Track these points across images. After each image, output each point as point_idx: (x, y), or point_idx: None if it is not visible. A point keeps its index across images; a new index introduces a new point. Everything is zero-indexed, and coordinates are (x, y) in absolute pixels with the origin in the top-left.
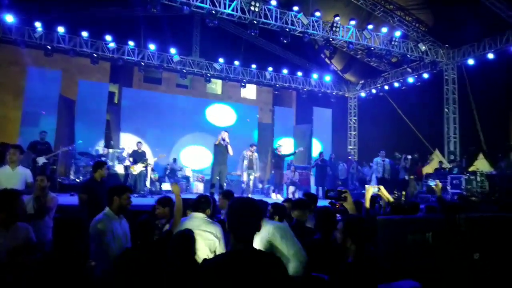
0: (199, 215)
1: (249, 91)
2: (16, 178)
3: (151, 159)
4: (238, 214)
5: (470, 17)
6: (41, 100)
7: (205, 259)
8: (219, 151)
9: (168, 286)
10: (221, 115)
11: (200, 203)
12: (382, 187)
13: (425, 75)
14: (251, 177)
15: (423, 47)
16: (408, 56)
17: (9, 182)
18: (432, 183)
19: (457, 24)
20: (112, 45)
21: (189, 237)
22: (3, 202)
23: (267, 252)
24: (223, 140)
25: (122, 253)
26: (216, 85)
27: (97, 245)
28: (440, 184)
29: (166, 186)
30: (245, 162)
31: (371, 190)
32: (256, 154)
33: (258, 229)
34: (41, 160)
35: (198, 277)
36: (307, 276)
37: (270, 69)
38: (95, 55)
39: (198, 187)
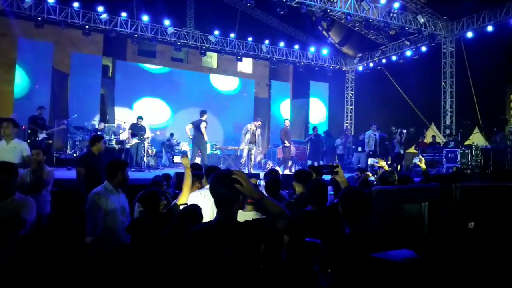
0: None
1: (245, 65)
2: (12, 152)
3: (147, 133)
4: (213, 185)
5: None
6: (33, 73)
7: (188, 229)
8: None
9: (169, 260)
10: (219, 86)
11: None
12: (380, 159)
13: (423, 48)
14: (252, 151)
15: (422, 19)
16: (407, 28)
17: (4, 156)
18: (415, 159)
19: None
20: (104, 16)
21: (196, 214)
22: None
23: (251, 222)
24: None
25: (131, 224)
26: (212, 59)
27: (91, 217)
28: (423, 159)
29: (176, 158)
30: (248, 136)
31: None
32: (259, 130)
33: (233, 198)
34: (42, 135)
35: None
36: (302, 241)
37: (267, 42)
38: (87, 26)
39: (196, 162)
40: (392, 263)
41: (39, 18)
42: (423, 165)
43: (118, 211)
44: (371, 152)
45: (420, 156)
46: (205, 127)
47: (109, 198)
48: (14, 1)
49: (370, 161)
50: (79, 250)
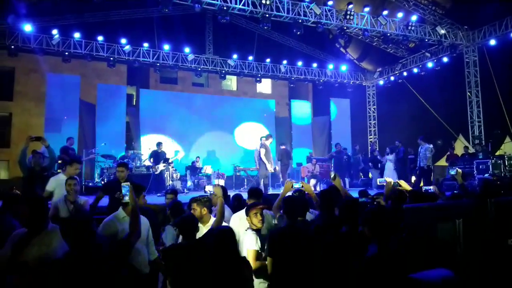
0: None
1: (265, 86)
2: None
3: (171, 159)
4: (291, 205)
5: None
6: (62, 106)
7: (270, 230)
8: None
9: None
10: (237, 110)
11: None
12: (402, 181)
13: (445, 59)
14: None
15: (441, 30)
16: (426, 40)
17: (62, 190)
18: (452, 171)
19: (476, 3)
20: (127, 47)
21: (230, 232)
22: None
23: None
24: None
25: (169, 250)
26: (231, 82)
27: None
28: (460, 171)
29: (208, 187)
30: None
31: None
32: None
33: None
34: None
35: (270, 240)
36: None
37: (285, 62)
38: (111, 58)
39: (220, 184)
40: (431, 284)
41: (66, 53)
42: (460, 179)
43: None
44: (426, 167)
45: (457, 168)
46: (264, 153)
47: (120, 226)
48: (43, 39)
49: (379, 181)
50: (100, 274)
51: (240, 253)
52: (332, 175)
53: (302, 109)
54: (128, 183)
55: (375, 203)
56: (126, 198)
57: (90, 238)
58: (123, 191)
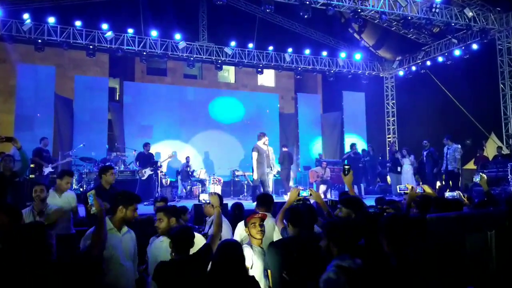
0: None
1: (267, 78)
2: (63, 204)
3: (159, 161)
4: (299, 215)
5: None
6: (34, 101)
7: (272, 242)
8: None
9: None
10: (235, 105)
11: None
12: (426, 186)
13: (474, 46)
14: (270, 176)
15: (470, 13)
16: (453, 24)
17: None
18: (476, 178)
19: None
20: (109, 34)
21: (235, 246)
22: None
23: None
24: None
25: (160, 268)
26: (229, 73)
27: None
28: (485, 177)
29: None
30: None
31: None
32: (271, 148)
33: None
34: (47, 169)
35: (271, 252)
36: None
37: (290, 50)
38: (91, 46)
39: (216, 191)
40: None
41: (39, 41)
42: (485, 185)
43: (119, 254)
44: (455, 170)
45: (480, 174)
46: (256, 157)
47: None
48: (12, 24)
49: (399, 187)
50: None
51: (247, 271)
52: (347, 167)
53: (310, 104)
54: (93, 191)
55: (385, 214)
56: (94, 209)
57: (42, 249)
58: (89, 201)
